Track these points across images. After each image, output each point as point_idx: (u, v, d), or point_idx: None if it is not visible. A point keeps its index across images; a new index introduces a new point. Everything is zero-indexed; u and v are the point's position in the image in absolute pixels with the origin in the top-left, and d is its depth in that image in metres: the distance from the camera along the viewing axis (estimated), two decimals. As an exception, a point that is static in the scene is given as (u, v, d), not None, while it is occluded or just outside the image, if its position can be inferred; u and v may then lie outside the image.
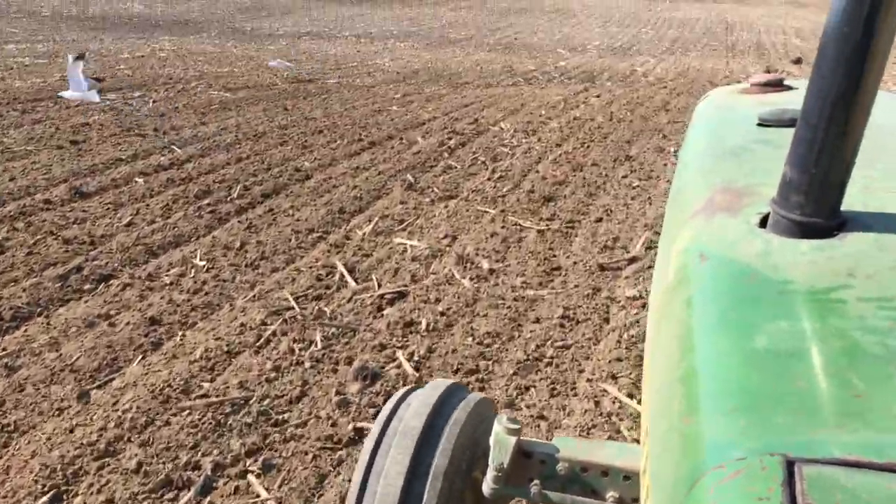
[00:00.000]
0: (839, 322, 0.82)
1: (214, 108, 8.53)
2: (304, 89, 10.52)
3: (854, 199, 1.04)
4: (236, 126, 7.58)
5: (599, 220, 5.29)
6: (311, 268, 4.35)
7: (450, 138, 7.57)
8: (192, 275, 4.16)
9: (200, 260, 4.34)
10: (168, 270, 4.20)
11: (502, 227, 5.06)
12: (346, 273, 4.29)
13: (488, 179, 6.20)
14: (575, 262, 4.53)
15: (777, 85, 2.00)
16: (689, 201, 1.27)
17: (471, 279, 4.25)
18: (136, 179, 5.64)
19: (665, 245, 1.33)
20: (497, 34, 23.27)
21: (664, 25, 27.83)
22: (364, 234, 4.90)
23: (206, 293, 3.95)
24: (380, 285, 4.20)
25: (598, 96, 10.92)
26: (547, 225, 5.14)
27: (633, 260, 4.59)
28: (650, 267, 4.49)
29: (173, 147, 6.56)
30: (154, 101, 8.67)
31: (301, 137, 7.28)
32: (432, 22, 26.36)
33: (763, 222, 1.04)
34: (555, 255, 4.64)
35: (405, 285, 4.18)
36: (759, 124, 1.61)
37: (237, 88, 10.16)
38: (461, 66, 14.87)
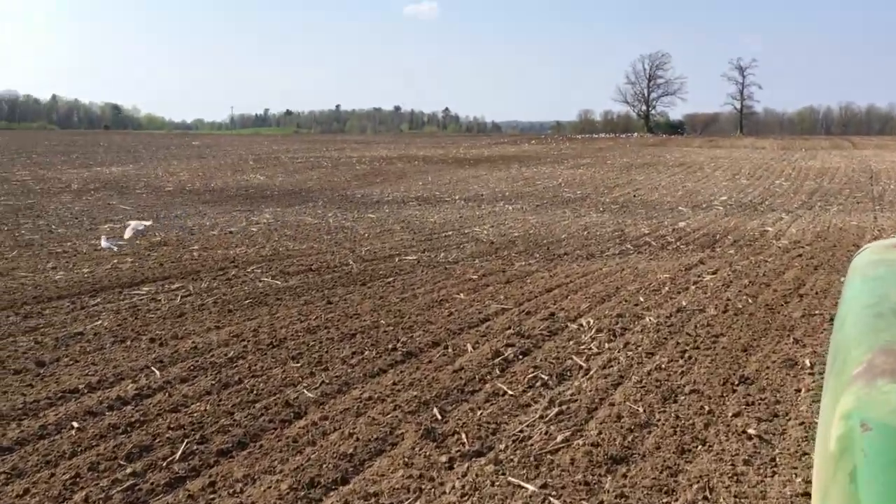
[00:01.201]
0: None
1: (248, 302, 7.39)
2: (373, 271, 9.36)
3: None
4: (254, 330, 6.33)
5: (689, 509, 3.44)
6: None
7: (510, 344, 5.97)
8: None
9: None
10: None
11: (535, 523, 3.33)
12: None
13: (541, 418, 4.50)
14: None
15: None
16: (848, 363, 1.22)
17: None
18: (73, 425, 4.36)
19: (826, 409, 1.25)
20: (615, 191, 21.98)
21: (800, 176, 25.58)
22: (326, 531, 3.31)
23: None
24: None
25: (714, 272, 9.07)
26: (605, 519, 3.36)
27: None
28: None
29: (154, 368, 5.32)
30: (187, 295, 7.67)
31: (323, 347, 5.90)
32: (548, 181, 25.52)
33: None
34: None
35: None
36: None
37: (296, 273, 9.11)
38: (566, 232, 13.50)
